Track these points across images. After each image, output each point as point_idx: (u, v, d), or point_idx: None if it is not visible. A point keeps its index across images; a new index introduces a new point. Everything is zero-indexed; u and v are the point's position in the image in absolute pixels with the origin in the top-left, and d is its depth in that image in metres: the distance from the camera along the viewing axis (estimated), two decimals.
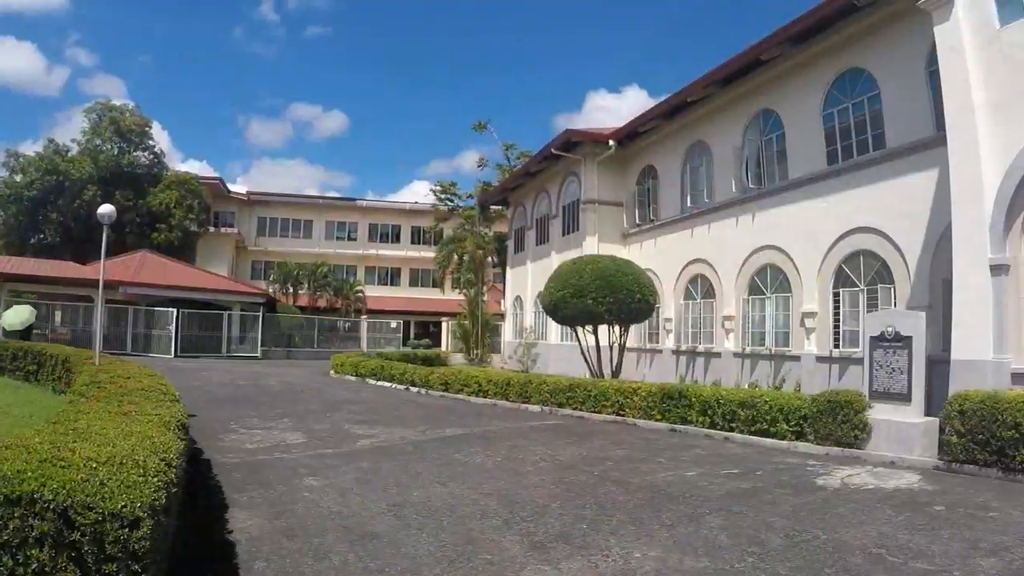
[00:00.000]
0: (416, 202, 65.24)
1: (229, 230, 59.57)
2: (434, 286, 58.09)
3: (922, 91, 15.45)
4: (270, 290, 49.41)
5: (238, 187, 66.46)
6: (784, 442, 12.50)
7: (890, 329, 12.00)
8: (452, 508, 7.85)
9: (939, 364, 13.16)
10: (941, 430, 10.88)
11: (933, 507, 8.24)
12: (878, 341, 12.21)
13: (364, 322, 50.28)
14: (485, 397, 19.49)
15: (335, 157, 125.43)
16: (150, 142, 55.40)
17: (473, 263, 42.90)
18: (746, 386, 18.68)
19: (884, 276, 16.48)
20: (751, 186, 21.50)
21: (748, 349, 21.08)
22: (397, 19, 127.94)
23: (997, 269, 12.06)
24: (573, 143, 28.83)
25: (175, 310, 35.76)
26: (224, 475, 9.18)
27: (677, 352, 24.69)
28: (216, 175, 62.03)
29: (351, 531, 6.88)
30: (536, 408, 17.70)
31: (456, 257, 46.75)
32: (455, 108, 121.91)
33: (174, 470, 4.87)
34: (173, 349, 35.38)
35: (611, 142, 27.51)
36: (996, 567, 6.13)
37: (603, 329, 20.75)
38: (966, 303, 12.36)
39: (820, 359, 18.13)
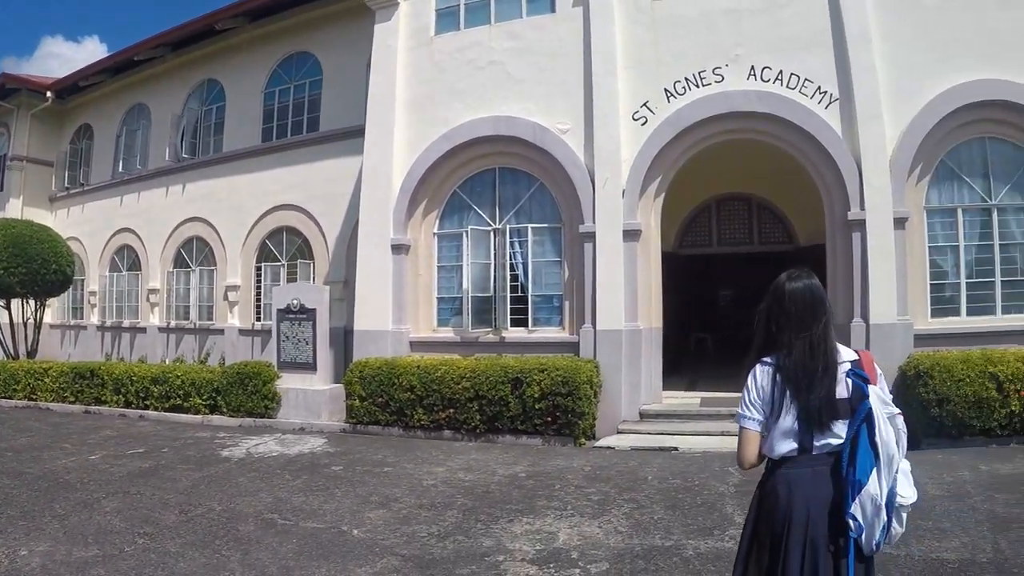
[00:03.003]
0: None
1: None
2: None
3: (360, 83, 14.84)
4: None
5: None
6: (199, 416, 11.93)
7: (295, 302, 11.81)
8: None
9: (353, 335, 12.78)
10: (348, 396, 10.93)
11: (332, 468, 8.32)
12: (285, 313, 11.94)
13: None
14: None
15: None
16: None
17: None
18: (170, 361, 16.68)
19: (305, 252, 15.74)
20: (185, 156, 19.00)
21: (174, 323, 18.64)
22: None
23: (398, 249, 11.97)
24: (7, 89, 22.84)
25: None
26: None
27: (103, 328, 21.05)
28: None
29: None
30: None
31: None
32: None
33: None
34: None
35: (49, 93, 22.39)
36: (384, 517, 6.31)
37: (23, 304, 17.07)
38: (370, 278, 12.08)
39: (243, 332, 16.72)
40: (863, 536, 2.64)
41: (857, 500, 2.62)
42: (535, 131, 11.22)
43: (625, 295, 10.57)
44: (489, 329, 11.46)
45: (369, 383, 10.58)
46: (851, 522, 2.63)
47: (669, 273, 11.47)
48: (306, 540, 5.73)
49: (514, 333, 11.39)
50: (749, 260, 13.75)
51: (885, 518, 2.64)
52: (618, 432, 10.08)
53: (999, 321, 10.49)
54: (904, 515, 2.73)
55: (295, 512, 6.52)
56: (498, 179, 11.89)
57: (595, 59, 11.04)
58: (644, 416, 10.47)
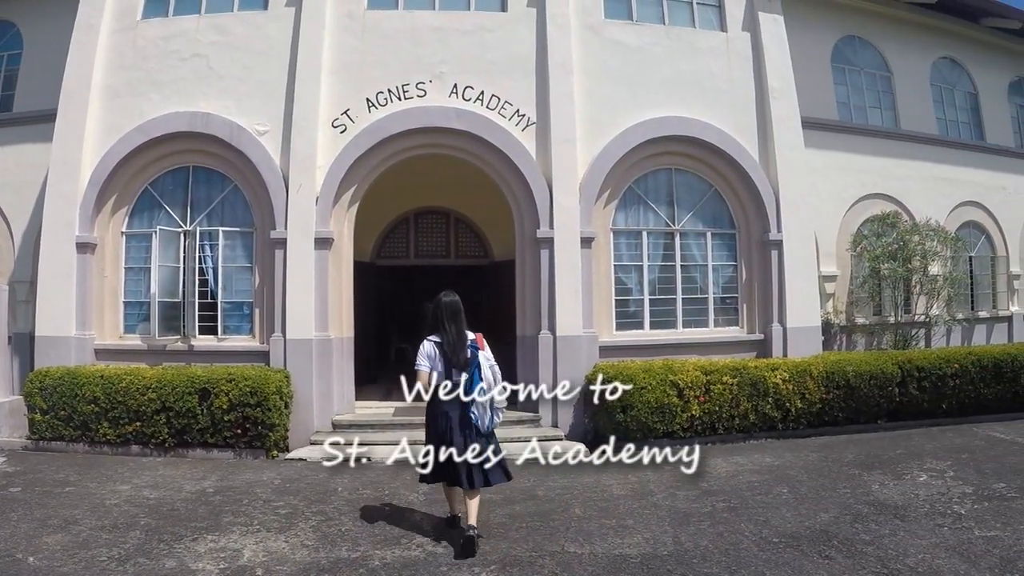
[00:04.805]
0: None
1: None
2: None
3: (65, 62, 13.43)
4: None
5: None
6: None
7: None
8: None
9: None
10: (29, 409, 9.75)
11: (10, 490, 7.63)
12: None
13: None
14: None
15: None
16: None
17: None
18: None
19: None
20: None
21: None
22: None
23: (83, 247, 10.77)
24: None
25: None
26: None
27: None
28: None
29: None
30: None
31: None
32: None
33: None
34: None
35: None
36: (62, 542, 5.91)
37: None
38: (52, 279, 10.77)
39: None
40: (479, 422, 5.68)
41: (473, 404, 5.63)
42: (232, 130, 10.60)
43: (316, 304, 10.28)
44: (178, 337, 10.66)
45: (51, 395, 9.56)
46: (471, 415, 5.66)
47: (368, 284, 11.23)
48: None
49: (203, 341, 10.69)
50: (448, 273, 13.80)
51: (489, 413, 5.73)
52: (311, 443, 9.84)
53: (680, 334, 11.27)
54: (499, 411, 5.86)
55: None
56: (192, 178, 11.08)
57: (301, 62, 10.62)
58: (337, 427, 10.23)
